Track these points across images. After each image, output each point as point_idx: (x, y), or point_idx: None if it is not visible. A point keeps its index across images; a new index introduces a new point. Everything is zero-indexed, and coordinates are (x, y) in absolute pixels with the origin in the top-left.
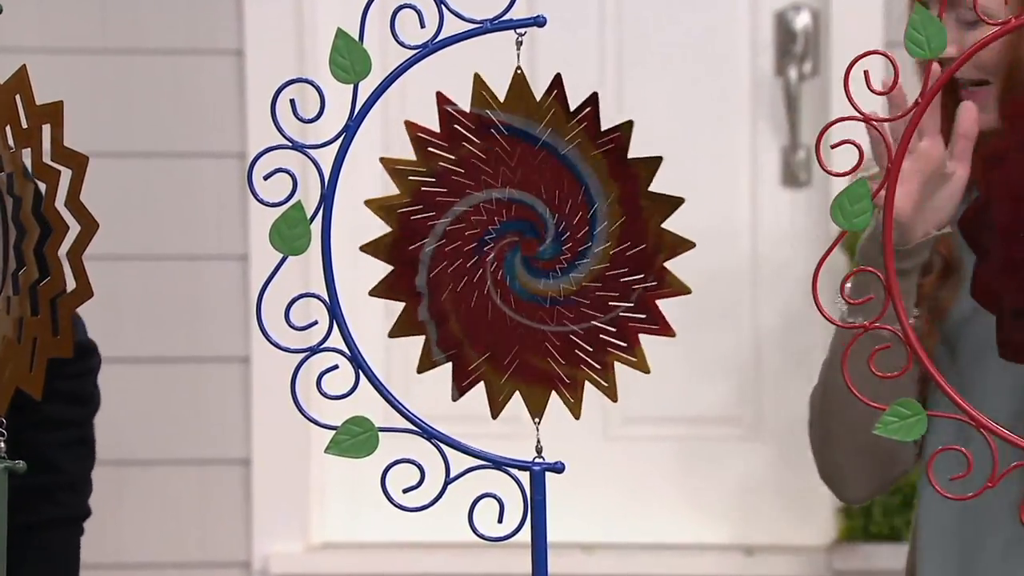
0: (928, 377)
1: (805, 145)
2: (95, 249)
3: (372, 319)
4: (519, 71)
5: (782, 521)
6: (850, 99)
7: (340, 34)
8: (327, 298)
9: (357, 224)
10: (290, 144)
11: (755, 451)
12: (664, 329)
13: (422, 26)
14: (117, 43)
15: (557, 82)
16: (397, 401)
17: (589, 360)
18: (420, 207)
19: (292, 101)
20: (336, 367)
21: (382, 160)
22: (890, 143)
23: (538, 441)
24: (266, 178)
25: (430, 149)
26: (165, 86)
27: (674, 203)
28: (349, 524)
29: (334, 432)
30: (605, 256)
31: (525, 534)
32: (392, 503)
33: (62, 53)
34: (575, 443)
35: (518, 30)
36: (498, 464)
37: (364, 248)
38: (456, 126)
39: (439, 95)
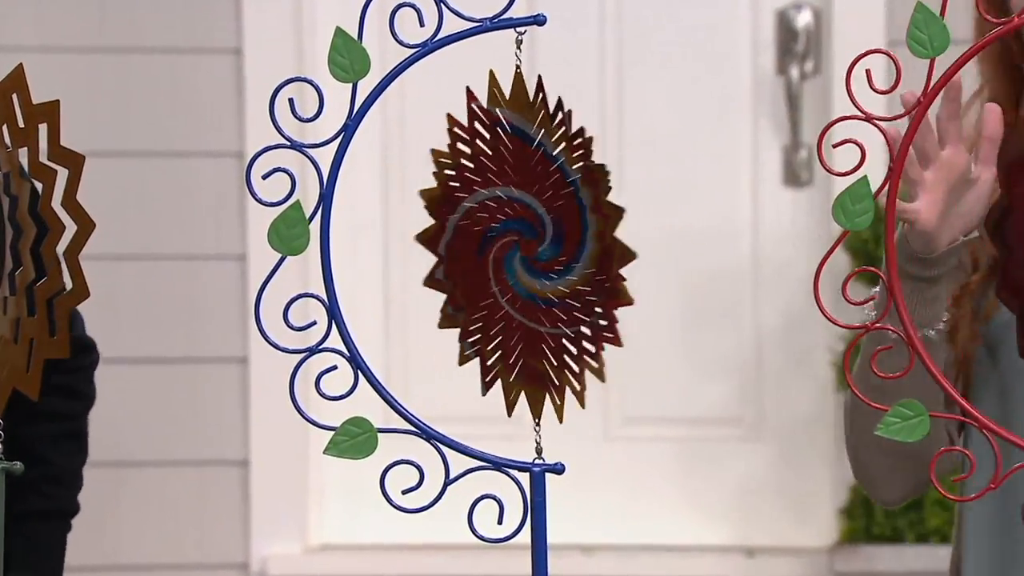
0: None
1: (807, 144)
2: (92, 249)
3: (371, 319)
4: (519, 70)
5: (783, 522)
6: (852, 98)
7: (339, 33)
8: (326, 298)
9: (356, 224)
10: (289, 143)
11: (756, 452)
12: (614, 339)
13: (421, 25)
14: (114, 42)
15: (540, 85)
16: (396, 402)
17: (571, 364)
18: (447, 199)
19: (291, 100)
20: (335, 367)
21: (432, 151)
22: (892, 142)
23: (538, 442)
24: (264, 177)
25: (458, 144)
26: (163, 85)
27: (619, 212)
28: (348, 525)
29: (333, 433)
30: (594, 260)
31: (525, 535)
32: (391, 504)
33: (59, 52)
34: (575, 444)
35: (518, 29)
36: (498, 465)
37: (417, 238)
38: (475, 123)
39: (468, 92)
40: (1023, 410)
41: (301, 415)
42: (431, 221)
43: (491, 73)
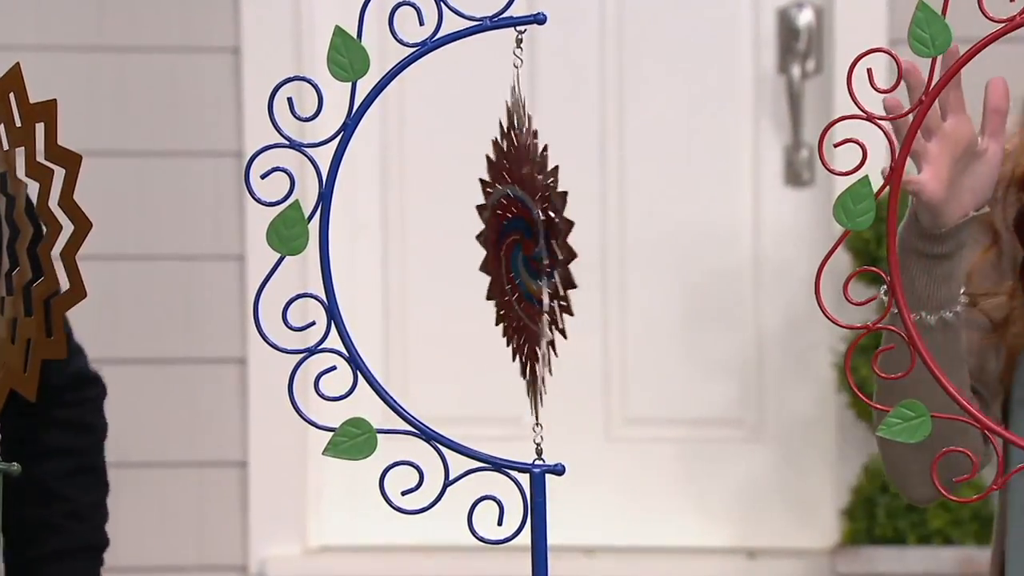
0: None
1: (808, 144)
2: (90, 249)
3: (371, 320)
4: (519, 70)
5: (785, 524)
6: (853, 97)
7: (338, 32)
8: (325, 298)
9: (356, 224)
10: (288, 143)
11: (757, 453)
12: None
13: (421, 24)
14: (112, 41)
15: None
16: (396, 403)
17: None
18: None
19: (290, 99)
20: (334, 368)
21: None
22: (894, 140)
23: (538, 443)
24: (263, 177)
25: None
26: (161, 84)
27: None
28: (347, 527)
29: (332, 434)
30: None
31: (525, 537)
32: (391, 505)
33: (57, 51)
34: (576, 445)
35: (518, 28)
36: (498, 466)
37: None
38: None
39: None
40: None
41: (300, 416)
42: (430, 221)
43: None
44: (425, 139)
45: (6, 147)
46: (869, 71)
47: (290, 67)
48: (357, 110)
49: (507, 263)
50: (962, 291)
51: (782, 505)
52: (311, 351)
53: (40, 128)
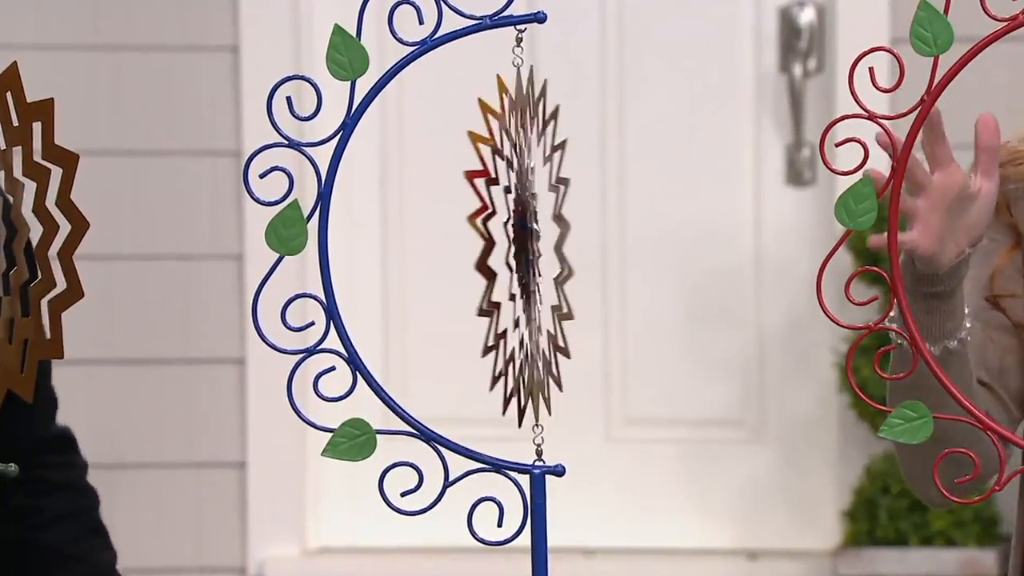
0: None
1: (809, 143)
2: (87, 249)
3: (370, 320)
4: (519, 69)
5: (786, 525)
6: (855, 96)
7: (337, 30)
8: (324, 298)
9: (355, 223)
10: (286, 142)
11: (759, 454)
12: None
13: (420, 22)
14: (110, 39)
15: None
16: (395, 403)
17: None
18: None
19: (288, 98)
20: (333, 368)
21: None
22: (896, 141)
23: (538, 444)
24: (262, 176)
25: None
26: (159, 83)
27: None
28: (346, 528)
29: (331, 435)
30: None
31: (525, 538)
32: (390, 507)
33: (54, 49)
34: (576, 445)
35: (518, 26)
36: (498, 467)
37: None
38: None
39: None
40: None
41: (299, 416)
42: (430, 220)
43: (530, 68)
44: (425, 138)
45: (3, 147)
46: (871, 70)
47: (289, 66)
48: (356, 109)
49: (517, 259)
50: (966, 314)
51: (783, 506)
52: (310, 351)
53: (37, 127)
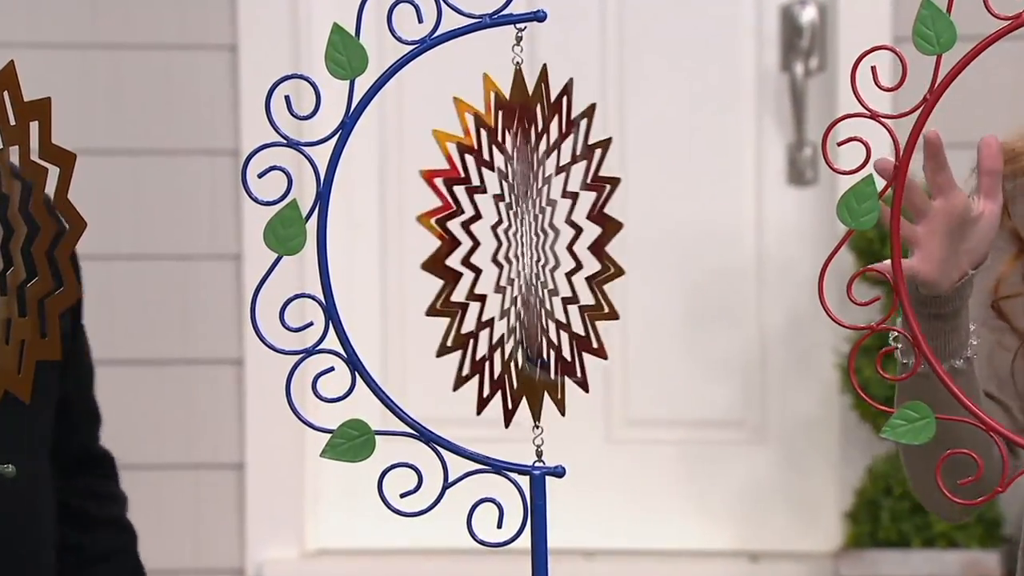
0: None
1: (811, 142)
2: (84, 248)
3: (369, 320)
4: (519, 67)
5: (787, 526)
6: (857, 95)
7: (336, 29)
8: (323, 299)
9: (354, 223)
10: (285, 141)
11: (760, 455)
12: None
13: (420, 21)
14: (107, 38)
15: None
16: (394, 404)
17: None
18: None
19: (287, 97)
20: (332, 369)
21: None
22: (898, 139)
23: (538, 445)
24: (260, 176)
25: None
26: (157, 82)
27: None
28: (345, 530)
29: (330, 436)
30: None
31: (525, 540)
32: (389, 508)
33: (51, 48)
34: (576, 446)
35: (518, 25)
36: (497, 468)
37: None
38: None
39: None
40: None
41: (298, 417)
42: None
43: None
44: (424, 138)
45: (1, 146)
46: (873, 69)
47: (287, 65)
48: (355, 108)
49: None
50: (971, 332)
51: (785, 508)
52: (309, 352)
53: (34, 127)
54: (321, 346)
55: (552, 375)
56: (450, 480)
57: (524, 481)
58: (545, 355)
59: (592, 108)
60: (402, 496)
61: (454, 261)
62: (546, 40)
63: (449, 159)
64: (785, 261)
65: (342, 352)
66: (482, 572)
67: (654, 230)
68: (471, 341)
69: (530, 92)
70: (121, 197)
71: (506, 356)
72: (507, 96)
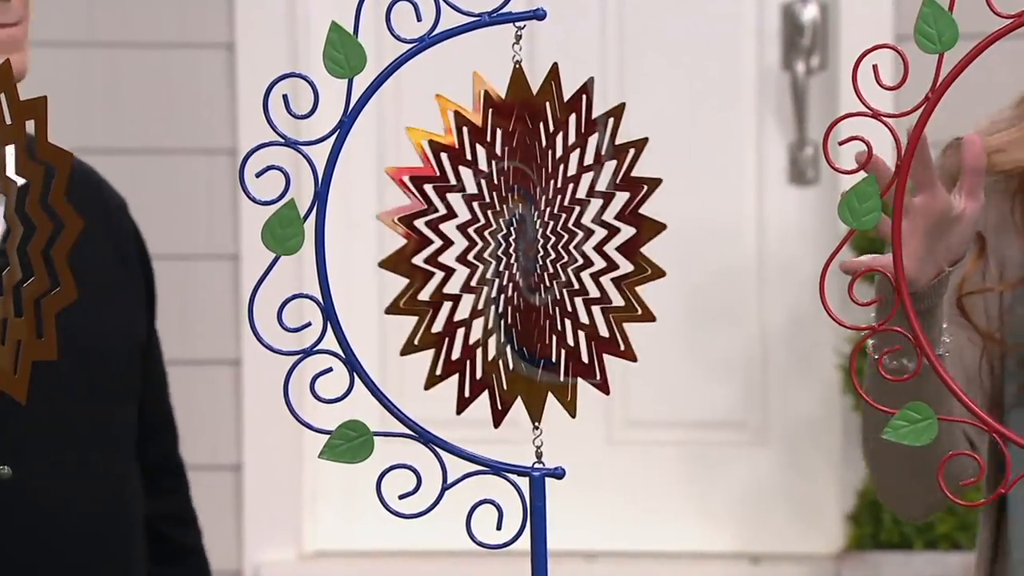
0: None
1: (813, 141)
2: None
3: (367, 320)
4: (518, 66)
5: (789, 528)
6: (859, 94)
7: (334, 27)
8: (321, 299)
9: (352, 223)
10: (283, 141)
11: (761, 456)
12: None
13: (418, 19)
14: (104, 36)
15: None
16: (393, 405)
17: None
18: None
19: (285, 96)
20: (330, 370)
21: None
22: (900, 137)
23: (538, 446)
24: (258, 175)
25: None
26: (154, 81)
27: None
28: (343, 531)
29: (328, 437)
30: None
31: (525, 541)
32: (388, 510)
33: (47, 46)
34: (576, 448)
35: (517, 24)
36: (497, 469)
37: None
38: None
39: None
40: None
41: (296, 418)
42: None
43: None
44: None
45: None
46: (875, 67)
47: (285, 63)
48: (354, 107)
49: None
50: (944, 330)
51: (786, 509)
52: (307, 352)
53: (30, 126)
54: (319, 346)
55: (560, 377)
56: (449, 481)
57: (524, 482)
58: (553, 357)
59: (621, 108)
60: (401, 497)
61: (420, 260)
62: (546, 38)
63: (424, 156)
64: (786, 261)
65: (340, 353)
66: (481, 574)
67: None
68: (445, 341)
69: (534, 90)
70: None
71: (490, 357)
72: (500, 94)
